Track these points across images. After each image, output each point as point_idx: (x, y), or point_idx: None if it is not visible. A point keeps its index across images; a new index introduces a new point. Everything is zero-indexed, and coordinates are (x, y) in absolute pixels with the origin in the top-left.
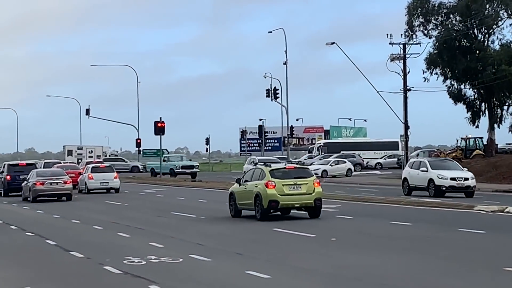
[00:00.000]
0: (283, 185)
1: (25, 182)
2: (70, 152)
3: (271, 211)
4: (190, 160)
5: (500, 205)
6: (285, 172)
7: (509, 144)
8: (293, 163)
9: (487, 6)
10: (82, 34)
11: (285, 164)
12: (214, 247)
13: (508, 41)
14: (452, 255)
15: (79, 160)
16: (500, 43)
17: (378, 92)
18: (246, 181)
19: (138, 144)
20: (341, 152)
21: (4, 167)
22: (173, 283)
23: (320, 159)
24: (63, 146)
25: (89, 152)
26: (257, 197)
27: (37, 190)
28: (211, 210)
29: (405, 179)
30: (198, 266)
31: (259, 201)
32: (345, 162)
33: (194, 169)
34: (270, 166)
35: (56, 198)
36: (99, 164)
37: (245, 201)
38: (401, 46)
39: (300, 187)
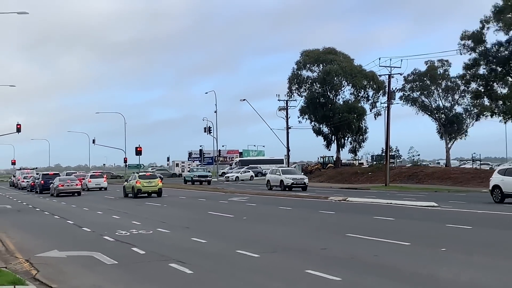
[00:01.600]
0: (143, 182)
1: (52, 184)
2: (177, 164)
3: (139, 194)
4: (209, 171)
5: (344, 196)
6: (145, 176)
7: (349, 160)
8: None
9: (335, 78)
10: (92, 92)
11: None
12: (172, 223)
13: (347, 99)
14: (316, 227)
15: (183, 169)
16: (342, 100)
17: (271, 129)
18: (130, 180)
19: (125, 161)
20: (249, 165)
21: (39, 175)
22: (147, 246)
23: (236, 170)
24: (172, 161)
25: (188, 165)
26: (133, 188)
27: (59, 189)
28: (169, 202)
29: (497, 186)
30: (162, 235)
31: (133, 189)
32: (249, 171)
33: (208, 178)
34: (139, 173)
35: (71, 194)
36: (95, 173)
37: (129, 190)
38: (285, 101)
39: (151, 183)
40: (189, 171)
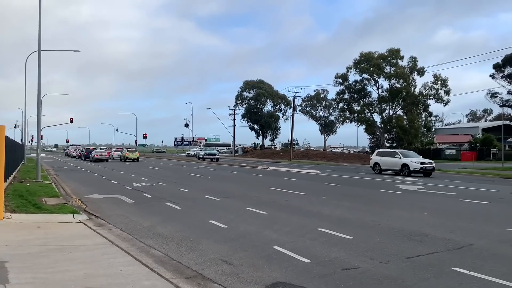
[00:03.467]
0: (129, 153)
1: (91, 154)
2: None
3: (126, 160)
4: (217, 150)
5: (267, 166)
6: (130, 150)
7: (269, 145)
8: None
9: (263, 97)
10: (116, 100)
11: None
12: (166, 180)
13: (269, 110)
14: (251, 183)
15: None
16: (266, 110)
17: (225, 126)
18: (123, 151)
19: (136, 142)
20: (211, 147)
21: (84, 149)
22: (152, 192)
23: (202, 149)
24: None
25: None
26: (124, 156)
27: (95, 157)
28: (163, 166)
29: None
30: (161, 186)
31: (124, 157)
32: (196, 149)
33: (216, 156)
34: (127, 149)
35: (102, 161)
36: (118, 148)
37: (122, 157)
38: (233, 110)
39: (133, 154)
40: (201, 150)
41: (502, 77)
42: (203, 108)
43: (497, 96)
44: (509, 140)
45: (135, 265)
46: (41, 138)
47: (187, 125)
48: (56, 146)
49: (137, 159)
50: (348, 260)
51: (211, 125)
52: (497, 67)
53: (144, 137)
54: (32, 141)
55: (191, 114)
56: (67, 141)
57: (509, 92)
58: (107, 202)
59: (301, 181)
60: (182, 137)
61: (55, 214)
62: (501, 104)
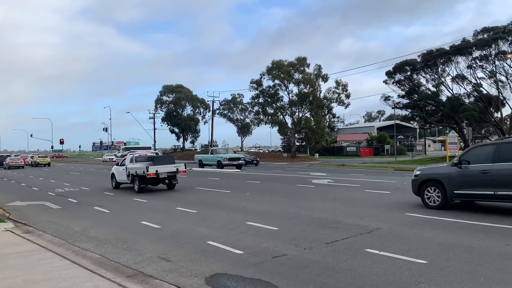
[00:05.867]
0: (40, 158)
1: (5, 161)
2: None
3: (37, 165)
4: (235, 152)
5: (188, 167)
6: (41, 156)
7: (189, 147)
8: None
9: (182, 101)
10: (31, 106)
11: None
12: (89, 184)
13: (189, 113)
14: (177, 185)
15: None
16: (186, 114)
17: (145, 129)
18: (34, 158)
19: (52, 148)
20: (130, 150)
21: None
22: (77, 197)
23: (120, 154)
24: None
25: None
26: (35, 162)
27: (10, 164)
28: (85, 172)
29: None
30: (85, 191)
31: (35, 163)
32: (112, 155)
33: (240, 161)
34: (38, 155)
35: (18, 167)
36: (34, 154)
37: (33, 163)
38: (153, 114)
39: (45, 159)
40: (211, 153)
41: (393, 82)
42: (122, 112)
43: (389, 99)
44: (399, 137)
45: (74, 268)
46: None
47: (105, 130)
48: None
49: (48, 164)
50: (276, 249)
51: (130, 129)
52: (389, 74)
53: (61, 142)
54: None
55: (110, 119)
56: None
57: (399, 96)
58: (31, 209)
59: (225, 179)
60: (100, 141)
61: None
62: (392, 106)
